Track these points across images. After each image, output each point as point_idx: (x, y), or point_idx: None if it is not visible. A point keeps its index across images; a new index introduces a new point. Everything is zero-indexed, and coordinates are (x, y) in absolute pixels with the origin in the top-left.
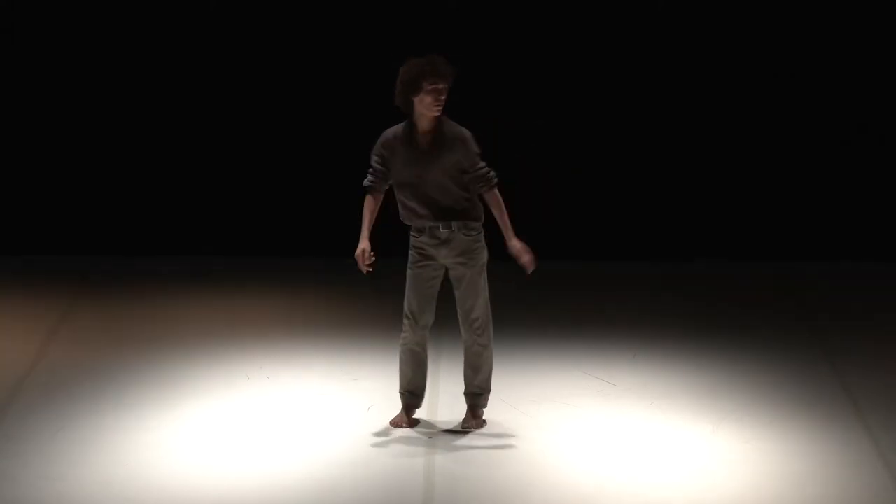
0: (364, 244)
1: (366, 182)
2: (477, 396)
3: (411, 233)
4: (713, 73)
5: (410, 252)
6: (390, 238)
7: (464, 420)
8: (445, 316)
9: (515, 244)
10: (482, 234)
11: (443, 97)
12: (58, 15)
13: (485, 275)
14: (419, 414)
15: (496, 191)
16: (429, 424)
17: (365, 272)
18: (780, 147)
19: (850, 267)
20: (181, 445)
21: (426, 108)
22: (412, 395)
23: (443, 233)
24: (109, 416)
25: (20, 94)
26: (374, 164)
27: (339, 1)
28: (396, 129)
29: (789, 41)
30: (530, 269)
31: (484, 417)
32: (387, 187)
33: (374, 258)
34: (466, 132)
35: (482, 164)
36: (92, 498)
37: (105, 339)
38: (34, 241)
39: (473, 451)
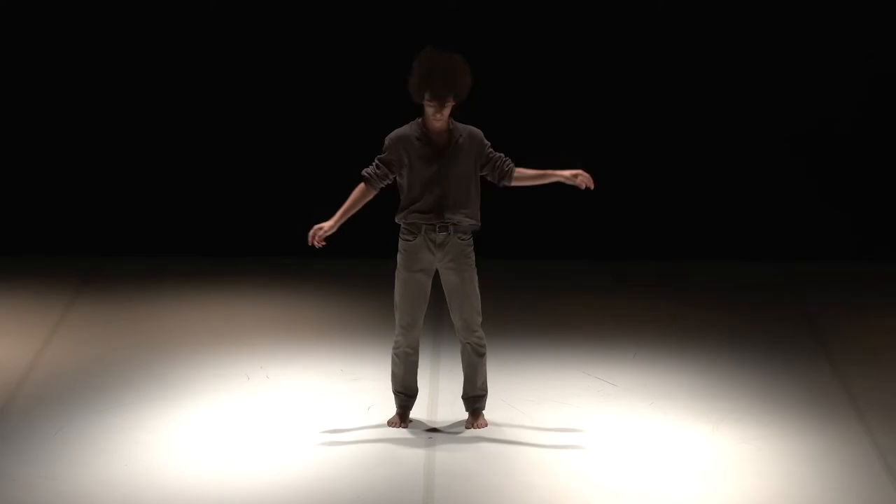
0: (330, 224)
1: (366, 172)
2: (480, 399)
3: (403, 236)
4: (712, 73)
5: (400, 256)
6: (390, 239)
7: (467, 423)
8: (445, 316)
9: (564, 173)
10: (471, 239)
11: (440, 112)
12: (55, 15)
13: (477, 280)
14: (419, 414)
15: (516, 170)
16: (429, 424)
17: (310, 244)
18: (779, 147)
19: (849, 267)
20: (181, 445)
21: (428, 115)
22: (406, 396)
23: (439, 236)
24: (109, 416)
25: (20, 94)
26: (383, 159)
27: (339, 1)
28: (409, 128)
29: (787, 41)
30: (591, 185)
31: (486, 418)
32: (383, 186)
33: (325, 244)
34: (478, 130)
35: (497, 153)
36: (92, 498)
37: (104, 339)
38: (34, 241)
39: (473, 451)
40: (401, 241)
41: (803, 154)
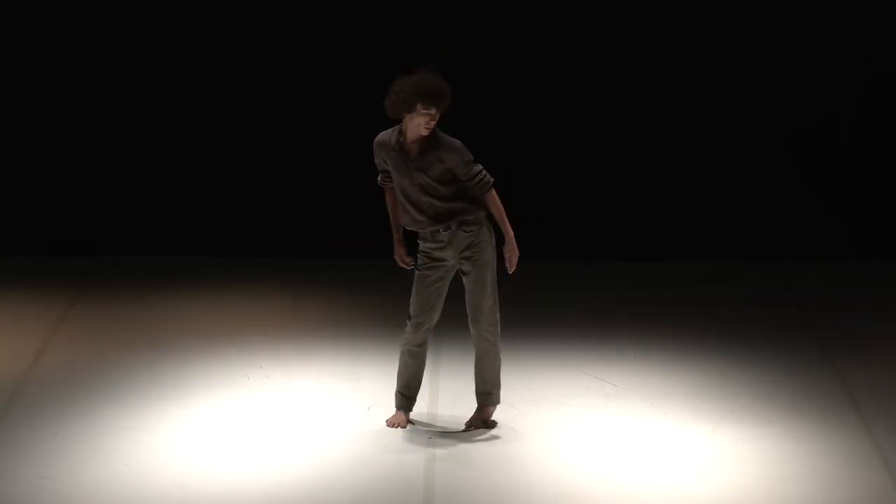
0: (399, 246)
1: (378, 181)
2: (487, 396)
3: (417, 238)
4: (712, 73)
5: (418, 256)
6: (390, 239)
7: (470, 419)
8: (445, 316)
9: (511, 242)
10: (484, 229)
11: (434, 122)
12: (55, 15)
13: (492, 272)
14: (419, 413)
15: (493, 192)
16: (429, 424)
17: (407, 267)
18: (778, 146)
19: (849, 267)
20: (181, 445)
21: (415, 127)
22: (404, 397)
23: (444, 235)
24: (109, 417)
25: (20, 94)
26: (376, 164)
27: (338, 1)
28: (388, 134)
29: (787, 41)
30: (510, 271)
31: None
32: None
33: (412, 261)
34: (457, 142)
35: (476, 168)
36: (92, 498)
37: (104, 339)
38: (34, 241)
39: (473, 451)
40: (419, 242)
41: (803, 154)
